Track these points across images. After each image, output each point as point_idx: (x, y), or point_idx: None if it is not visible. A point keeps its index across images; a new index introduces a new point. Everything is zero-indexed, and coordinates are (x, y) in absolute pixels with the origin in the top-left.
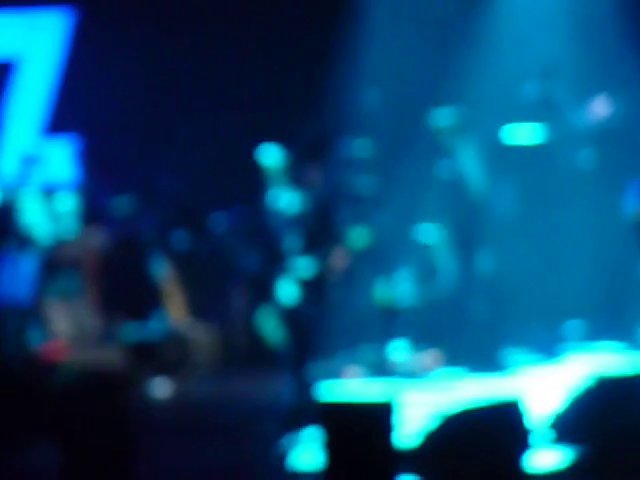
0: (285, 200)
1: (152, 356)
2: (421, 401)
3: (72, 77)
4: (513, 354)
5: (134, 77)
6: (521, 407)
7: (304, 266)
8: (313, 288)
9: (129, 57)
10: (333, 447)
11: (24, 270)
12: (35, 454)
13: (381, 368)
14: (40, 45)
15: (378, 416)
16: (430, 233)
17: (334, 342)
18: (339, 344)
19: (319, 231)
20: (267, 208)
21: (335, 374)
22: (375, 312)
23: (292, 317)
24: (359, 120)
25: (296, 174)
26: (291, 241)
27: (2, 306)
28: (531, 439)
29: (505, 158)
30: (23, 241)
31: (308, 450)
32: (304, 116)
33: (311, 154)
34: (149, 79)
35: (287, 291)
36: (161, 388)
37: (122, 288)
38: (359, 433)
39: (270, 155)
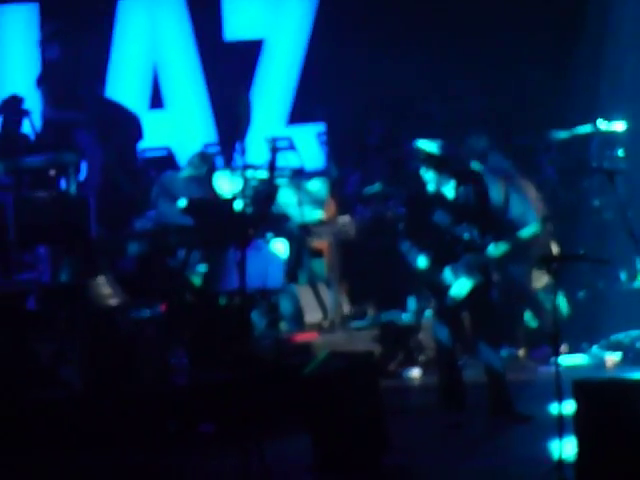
0: None
1: (403, 340)
2: None
3: (318, 62)
4: None
5: (380, 61)
6: None
7: None
8: None
9: (375, 41)
10: (592, 425)
11: (275, 255)
12: (288, 440)
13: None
14: (286, 30)
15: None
16: None
17: (594, 329)
18: (600, 331)
19: None
20: None
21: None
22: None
23: None
24: None
25: None
26: None
27: (253, 290)
28: None
29: None
30: (276, 227)
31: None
32: None
33: None
34: (395, 63)
35: None
36: (412, 372)
37: (371, 272)
38: (624, 410)
39: None
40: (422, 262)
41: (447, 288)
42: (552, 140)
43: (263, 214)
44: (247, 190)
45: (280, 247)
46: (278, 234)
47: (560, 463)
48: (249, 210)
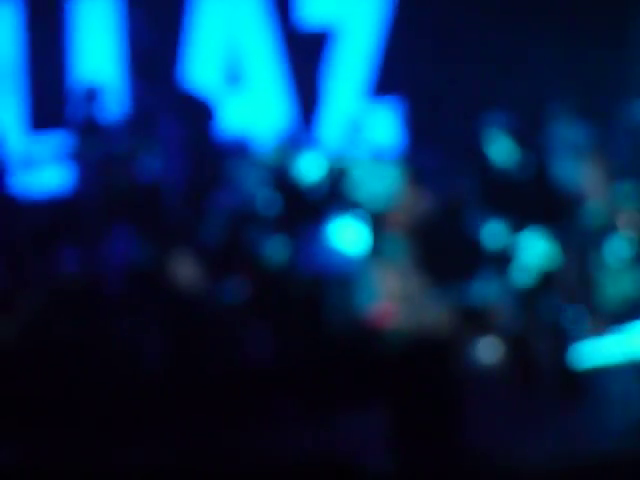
0: None
1: (481, 319)
2: None
3: (396, 37)
4: None
5: (459, 37)
6: None
7: None
8: None
9: (455, 15)
10: None
11: (349, 236)
12: (362, 420)
13: None
14: (364, 4)
15: None
16: None
17: None
18: None
19: None
20: None
21: None
22: None
23: None
24: None
25: None
26: None
27: (327, 272)
28: None
29: None
30: (351, 207)
31: None
32: None
33: None
34: (473, 41)
35: None
36: (489, 352)
37: (448, 250)
38: None
39: None
40: None
41: None
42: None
43: (337, 194)
44: (325, 171)
45: (355, 226)
46: (354, 213)
47: None
48: (328, 190)
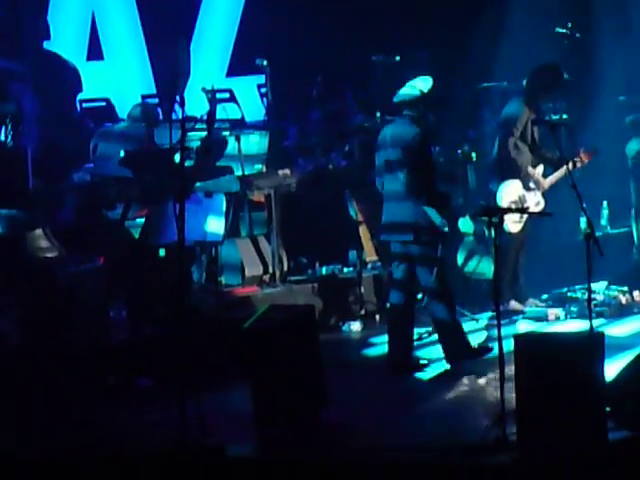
0: None
1: (343, 293)
2: (621, 339)
3: (256, 14)
4: None
5: (321, 12)
6: None
7: None
8: None
9: None
10: (532, 378)
11: (215, 209)
12: (227, 394)
13: (584, 309)
14: None
15: (584, 346)
16: None
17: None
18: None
19: None
20: None
21: (539, 316)
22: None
23: None
24: None
25: None
26: None
27: (193, 243)
28: None
29: None
30: (216, 180)
31: None
32: None
33: None
34: (335, 14)
35: None
36: (352, 326)
37: (312, 225)
38: (563, 363)
39: None
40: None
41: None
42: (493, 92)
43: (203, 166)
44: (187, 142)
45: (220, 200)
46: (218, 187)
47: (501, 416)
48: (189, 162)
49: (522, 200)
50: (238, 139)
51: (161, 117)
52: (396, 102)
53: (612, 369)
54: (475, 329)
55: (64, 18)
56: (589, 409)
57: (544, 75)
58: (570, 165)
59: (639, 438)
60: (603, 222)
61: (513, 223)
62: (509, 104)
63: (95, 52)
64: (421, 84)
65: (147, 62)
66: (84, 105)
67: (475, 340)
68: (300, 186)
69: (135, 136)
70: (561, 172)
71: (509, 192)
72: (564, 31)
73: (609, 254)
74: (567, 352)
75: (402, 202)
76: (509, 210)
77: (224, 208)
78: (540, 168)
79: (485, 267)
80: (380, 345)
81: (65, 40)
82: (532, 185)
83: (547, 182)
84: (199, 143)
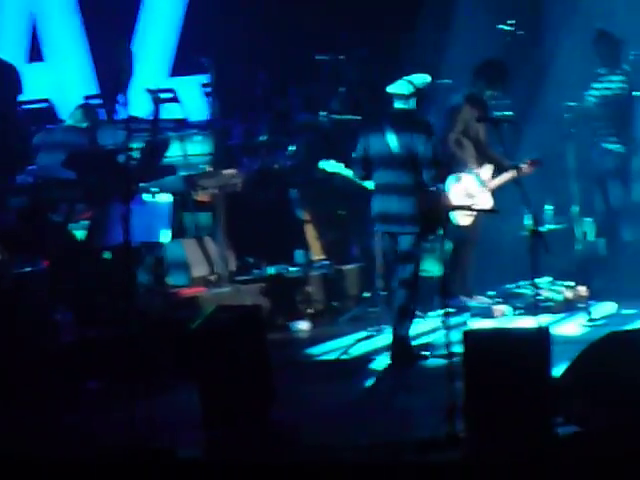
0: None
1: (290, 293)
2: (568, 335)
3: (201, 11)
4: None
5: (265, 10)
6: None
7: None
8: None
9: None
10: (481, 374)
11: (160, 210)
12: (175, 396)
13: (529, 305)
14: None
15: (531, 342)
16: None
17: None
18: (489, 281)
19: None
20: None
21: (485, 312)
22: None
23: None
24: None
25: None
26: None
27: (138, 244)
28: None
29: None
30: (161, 180)
31: None
32: None
33: None
34: (280, 12)
35: None
36: (299, 325)
37: (258, 225)
38: (511, 359)
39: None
40: None
41: None
42: (438, 90)
43: (147, 167)
44: (130, 143)
45: (165, 200)
46: (163, 187)
47: (451, 411)
48: (133, 163)
49: (470, 195)
50: (182, 139)
51: (103, 117)
52: (390, 93)
53: (560, 365)
54: (426, 330)
55: (2, 19)
56: (537, 405)
57: (488, 71)
58: (515, 172)
59: (588, 433)
60: (547, 218)
61: (463, 216)
62: (450, 100)
63: (36, 53)
64: (416, 79)
65: (89, 62)
66: (25, 107)
67: (423, 339)
68: (246, 186)
69: (77, 137)
70: (506, 176)
71: (458, 186)
72: (508, 28)
73: (551, 250)
74: (515, 348)
75: (403, 195)
76: (456, 207)
77: (169, 209)
78: (488, 167)
79: (431, 265)
80: (328, 343)
81: (4, 42)
82: (479, 182)
83: (493, 183)
84: (143, 144)
